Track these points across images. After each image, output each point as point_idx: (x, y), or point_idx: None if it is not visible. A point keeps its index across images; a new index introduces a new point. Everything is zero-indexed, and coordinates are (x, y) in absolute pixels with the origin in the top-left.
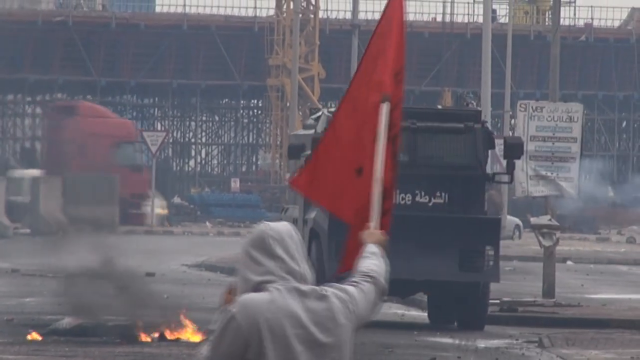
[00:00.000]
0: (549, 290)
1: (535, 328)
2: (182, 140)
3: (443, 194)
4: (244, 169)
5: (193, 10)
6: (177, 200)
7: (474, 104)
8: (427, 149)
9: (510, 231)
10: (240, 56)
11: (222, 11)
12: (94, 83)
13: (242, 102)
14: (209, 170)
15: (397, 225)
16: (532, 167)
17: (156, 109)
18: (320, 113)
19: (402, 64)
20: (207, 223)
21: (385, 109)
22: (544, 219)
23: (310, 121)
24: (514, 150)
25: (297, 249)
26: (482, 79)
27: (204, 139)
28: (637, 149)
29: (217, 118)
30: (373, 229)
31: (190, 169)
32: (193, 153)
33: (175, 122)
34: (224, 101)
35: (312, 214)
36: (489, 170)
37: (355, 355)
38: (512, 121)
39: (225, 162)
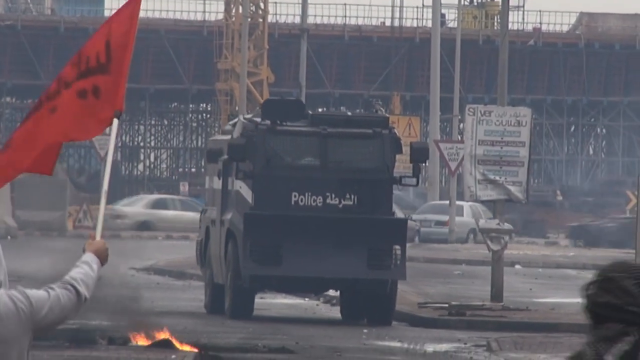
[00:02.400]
0: (497, 294)
1: (483, 332)
2: (131, 144)
3: (352, 196)
4: (193, 172)
5: (142, 14)
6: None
7: (383, 110)
8: (337, 154)
9: (464, 234)
10: (189, 60)
11: (171, 15)
12: (43, 87)
13: (191, 106)
14: (158, 174)
15: (308, 227)
16: (480, 171)
17: None
18: (236, 120)
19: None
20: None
21: (116, 124)
22: (493, 223)
23: (228, 127)
24: (419, 154)
25: None
26: (431, 83)
27: (152, 143)
28: (585, 153)
29: (166, 122)
30: (96, 240)
31: (139, 172)
32: (142, 157)
33: (124, 126)
34: (173, 105)
35: (228, 216)
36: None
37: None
38: (461, 125)
39: (174, 165)
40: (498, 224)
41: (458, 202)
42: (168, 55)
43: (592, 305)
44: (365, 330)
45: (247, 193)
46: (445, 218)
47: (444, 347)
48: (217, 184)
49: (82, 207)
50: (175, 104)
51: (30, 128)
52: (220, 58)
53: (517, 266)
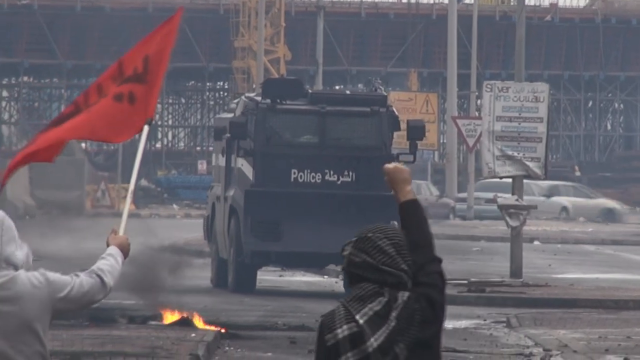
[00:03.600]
0: (516, 270)
1: (503, 308)
2: None
3: (351, 173)
4: (211, 150)
5: None
6: (143, 182)
7: (382, 89)
8: (336, 132)
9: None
10: (205, 38)
11: None
12: (59, 66)
13: (208, 84)
14: (176, 152)
15: (307, 203)
16: (498, 147)
17: None
18: (239, 99)
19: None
20: (174, 205)
21: (146, 130)
22: (511, 199)
23: (232, 105)
24: (415, 132)
25: (4, 234)
26: (448, 60)
27: (170, 121)
28: (603, 128)
29: (183, 100)
30: (119, 235)
31: (156, 151)
32: (160, 135)
33: None
34: (190, 83)
35: (231, 192)
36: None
37: None
38: (478, 101)
39: (192, 144)
40: (517, 200)
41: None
42: (184, 33)
43: (348, 265)
44: None
45: (248, 170)
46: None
47: (463, 323)
48: (222, 161)
49: (99, 186)
50: (193, 82)
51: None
52: (237, 36)
53: (536, 242)
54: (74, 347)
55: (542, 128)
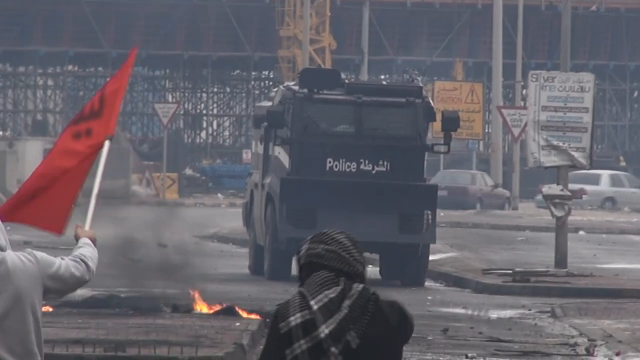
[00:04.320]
0: (561, 260)
1: (547, 298)
2: (193, 112)
3: (385, 163)
4: None
5: None
6: (188, 171)
7: (418, 80)
8: (371, 122)
9: (598, 202)
10: (250, 27)
11: None
12: (104, 55)
13: (253, 73)
14: (221, 141)
15: (342, 192)
16: (543, 137)
17: (167, 81)
18: (277, 88)
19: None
20: (219, 194)
21: (107, 145)
22: (556, 189)
23: (272, 94)
24: (450, 122)
25: None
26: (494, 50)
27: (215, 111)
28: None
29: (228, 89)
30: (86, 229)
31: (201, 140)
32: (204, 124)
33: (186, 94)
34: (235, 72)
35: (268, 180)
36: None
37: None
38: (524, 91)
39: (237, 133)
40: (562, 190)
41: (595, 171)
42: (229, 22)
43: (307, 257)
44: (429, 297)
45: (284, 158)
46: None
47: (508, 313)
48: (261, 148)
49: (144, 175)
50: (238, 71)
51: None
52: (283, 25)
53: (581, 232)
54: (119, 335)
55: (587, 118)
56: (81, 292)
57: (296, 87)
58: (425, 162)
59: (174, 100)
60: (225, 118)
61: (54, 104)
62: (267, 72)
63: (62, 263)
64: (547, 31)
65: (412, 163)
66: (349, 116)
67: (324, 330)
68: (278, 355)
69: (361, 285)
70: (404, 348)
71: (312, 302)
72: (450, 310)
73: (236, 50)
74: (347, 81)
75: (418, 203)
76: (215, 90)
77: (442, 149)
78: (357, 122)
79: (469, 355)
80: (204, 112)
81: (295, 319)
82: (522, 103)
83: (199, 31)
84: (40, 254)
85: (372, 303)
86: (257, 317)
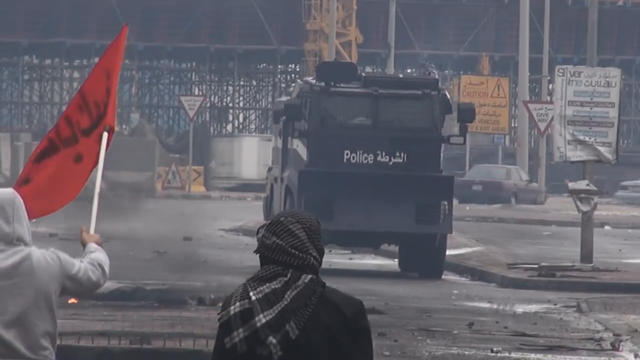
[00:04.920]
0: (587, 255)
1: (573, 293)
2: (219, 105)
3: (402, 154)
4: None
5: None
6: (214, 164)
7: (435, 72)
8: (388, 114)
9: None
10: (277, 21)
11: None
12: (131, 48)
13: (279, 66)
14: (247, 134)
15: (360, 183)
16: (570, 132)
17: (194, 74)
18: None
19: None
20: None
21: (105, 136)
22: (582, 184)
23: (291, 88)
24: (465, 114)
25: (15, 214)
26: (520, 44)
27: (241, 104)
28: None
29: (254, 82)
30: (92, 233)
31: (227, 133)
32: (231, 117)
33: (212, 87)
34: (261, 66)
35: (287, 173)
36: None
37: (393, 319)
38: (550, 86)
39: (262, 126)
40: (588, 184)
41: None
42: (256, 15)
43: (261, 246)
44: (455, 291)
45: (302, 151)
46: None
47: (533, 307)
48: (280, 142)
49: (170, 168)
50: (264, 64)
51: (55, 174)
52: (309, 18)
53: (607, 227)
54: (144, 328)
55: (613, 113)
56: (107, 285)
57: (314, 81)
58: (442, 154)
59: (200, 93)
60: (252, 111)
61: None
62: (293, 66)
63: (82, 266)
64: (573, 26)
65: (429, 154)
66: (365, 109)
67: (261, 320)
68: (221, 345)
69: (309, 277)
70: (431, 342)
71: (251, 294)
72: (476, 304)
73: (263, 44)
74: (363, 74)
75: (435, 194)
76: (242, 83)
77: (459, 140)
78: (374, 115)
79: (494, 349)
80: (230, 105)
81: (234, 308)
82: (548, 98)
83: (226, 24)
84: (63, 255)
85: (317, 295)
86: None
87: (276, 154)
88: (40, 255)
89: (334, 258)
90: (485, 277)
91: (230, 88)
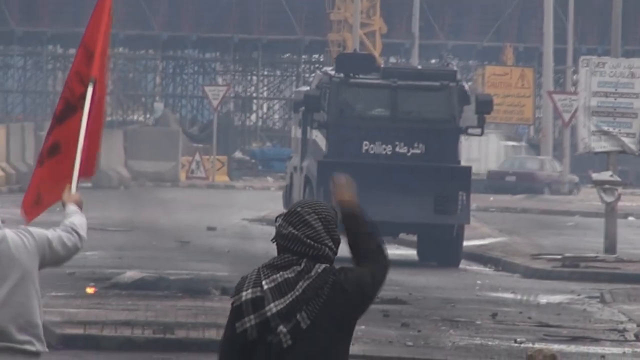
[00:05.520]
0: (610, 246)
1: (597, 283)
2: (243, 95)
3: (420, 145)
4: None
5: None
6: (238, 154)
7: (453, 64)
8: (406, 105)
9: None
10: (301, 11)
11: None
12: (155, 37)
13: (303, 56)
14: (271, 124)
15: (378, 174)
16: (594, 122)
17: (218, 64)
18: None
19: (107, 49)
20: (269, 178)
21: (90, 89)
22: (606, 175)
23: (311, 79)
24: (483, 106)
25: None
26: (545, 35)
27: (265, 94)
28: None
29: (278, 73)
30: (73, 192)
31: (251, 123)
32: (254, 107)
33: (236, 77)
34: (285, 56)
35: (306, 163)
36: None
37: (416, 309)
38: (574, 77)
39: (286, 116)
40: (611, 175)
41: None
42: (280, 5)
43: (277, 236)
44: (478, 282)
45: (321, 141)
46: None
47: (557, 298)
48: (300, 132)
49: (194, 158)
50: (288, 54)
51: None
52: (333, 8)
53: (631, 218)
54: (167, 317)
55: (637, 104)
56: (130, 274)
57: (333, 72)
58: (460, 145)
59: (224, 83)
60: (275, 101)
61: None
62: (317, 56)
63: (55, 235)
64: (598, 16)
65: (447, 145)
66: (384, 100)
67: (272, 309)
68: (232, 328)
69: (323, 266)
70: (454, 332)
71: (263, 282)
72: (499, 295)
73: (287, 34)
74: (382, 66)
75: (453, 184)
76: (266, 73)
77: (476, 131)
78: (393, 106)
79: (518, 340)
80: (254, 95)
81: (246, 294)
82: (572, 88)
83: (250, 14)
84: (34, 230)
85: (329, 285)
86: None
87: (295, 143)
88: (15, 235)
89: None
90: (509, 268)
91: (254, 78)
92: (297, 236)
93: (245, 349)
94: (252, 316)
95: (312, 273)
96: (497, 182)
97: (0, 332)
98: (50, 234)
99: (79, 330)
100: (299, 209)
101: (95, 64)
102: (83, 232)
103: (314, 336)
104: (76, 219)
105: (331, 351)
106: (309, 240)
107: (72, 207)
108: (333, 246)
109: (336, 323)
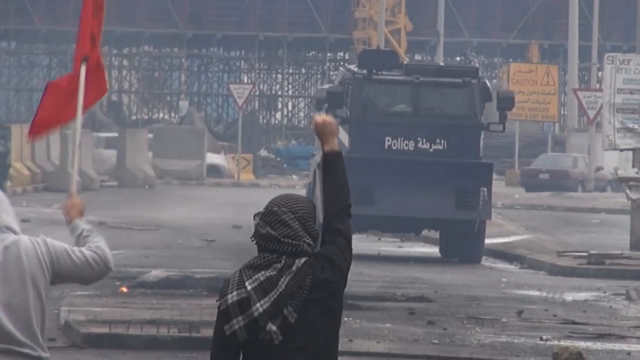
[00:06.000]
0: (636, 243)
1: (622, 281)
2: (268, 93)
3: (442, 141)
4: None
5: None
6: (263, 152)
7: (476, 61)
8: (429, 101)
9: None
10: (326, 8)
11: None
12: (180, 36)
13: (328, 54)
14: (296, 122)
15: (400, 169)
16: (619, 119)
17: (243, 62)
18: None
19: (98, 29)
20: (294, 176)
21: (83, 68)
22: (632, 172)
23: (334, 76)
24: (505, 102)
25: (0, 206)
26: (570, 32)
27: (290, 92)
28: None
29: (303, 71)
30: (74, 200)
31: (276, 121)
32: (280, 106)
33: (261, 75)
34: (310, 54)
35: None
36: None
37: (442, 307)
38: (599, 74)
39: (311, 114)
40: (637, 172)
41: None
42: (305, 4)
43: (255, 235)
44: (504, 279)
45: (344, 137)
46: None
47: (583, 295)
48: None
49: (219, 156)
50: (313, 52)
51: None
52: (358, 6)
53: None
54: (193, 316)
55: None
56: (156, 273)
57: (356, 69)
58: (482, 141)
59: (249, 81)
60: (301, 99)
61: (129, 85)
62: (342, 54)
63: (75, 251)
64: (623, 13)
65: (469, 141)
66: (406, 96)
67: (259, 309)
68: (221, 331)
69: (303, 259)
70: (480, 330)
71: (247, 283)
72: (525, 292)
73: (312, 32)
74: (404, 62)
75: (474, 180)
76: (291, 71)
77: (498, 128)
78: (415, 102)
79: (544, 337)
80: (279, 93)
81: (232, 297)
82: (597, 85)
83: (275, 12)
84: (51, 243)
85: (310, 276)
86: None
87: (318, 140)
88: (29, 241)
89: (384, 246)
90: (535, 265)
91: (279, 76)
92: (274, 236)
93: (236, 350)
94: (239, 318)
95: (294, 268)
96: (530, 180)
97: (1, 333)
98: (69, 248)
99: (104, 329)
100: (275, 209)
101: (85, 43)
102: (110, 257)
103: (304, 327)
104: (101, 241)
105: (322, 337)
106: (286, 239)
107: (81, 224)
108: (311, 242)
109: (322, 309)
